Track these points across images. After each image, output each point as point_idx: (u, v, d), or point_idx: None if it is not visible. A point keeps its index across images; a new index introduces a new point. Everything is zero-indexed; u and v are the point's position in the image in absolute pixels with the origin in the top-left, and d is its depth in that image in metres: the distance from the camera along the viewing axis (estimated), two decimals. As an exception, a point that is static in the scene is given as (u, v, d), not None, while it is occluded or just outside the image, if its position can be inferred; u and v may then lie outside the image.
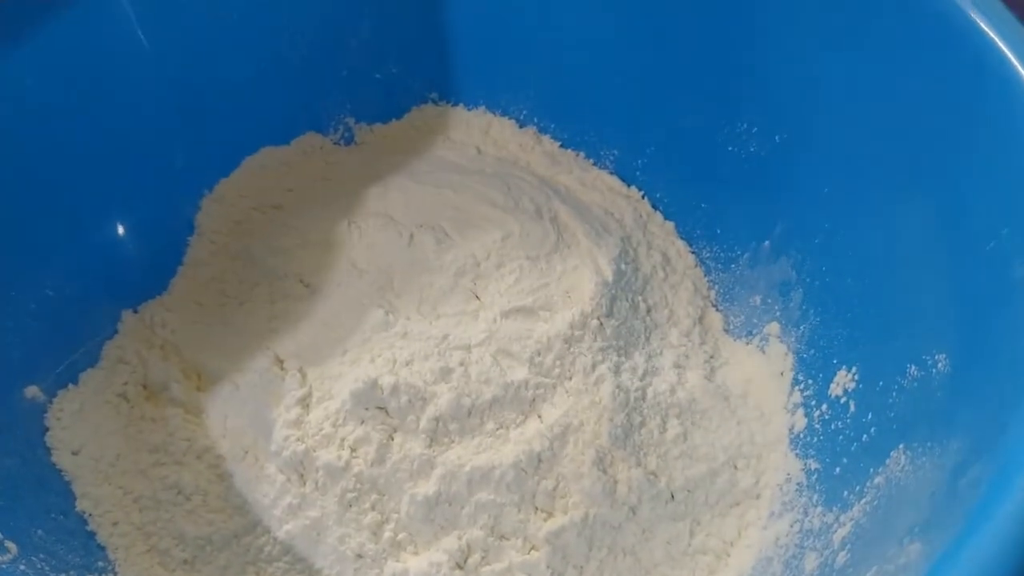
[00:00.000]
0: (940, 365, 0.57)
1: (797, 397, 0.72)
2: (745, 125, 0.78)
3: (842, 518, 0.59)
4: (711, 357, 0.78)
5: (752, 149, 0.78)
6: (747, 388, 0.75)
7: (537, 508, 0.68)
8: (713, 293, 0.82)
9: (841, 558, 0.56)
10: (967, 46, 0.60)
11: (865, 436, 0.63)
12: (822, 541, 0.60)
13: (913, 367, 0.60)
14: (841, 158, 0.70)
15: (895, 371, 0.61)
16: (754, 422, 0.73)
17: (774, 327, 0.77)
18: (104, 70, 0.79)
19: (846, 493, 0.61)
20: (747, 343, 0.79)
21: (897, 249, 0.65)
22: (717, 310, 0.82)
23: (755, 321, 0.79)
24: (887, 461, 0.58)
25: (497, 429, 0.70)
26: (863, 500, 0.58)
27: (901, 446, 0.57)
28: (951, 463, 0.49)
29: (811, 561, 0.60)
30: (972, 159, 0.60)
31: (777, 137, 0.76)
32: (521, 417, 0.71)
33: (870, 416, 0.63)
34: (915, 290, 0.62)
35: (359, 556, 0.68)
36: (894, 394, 0.61)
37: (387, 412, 0.70)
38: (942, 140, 0.62)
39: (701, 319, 0.80)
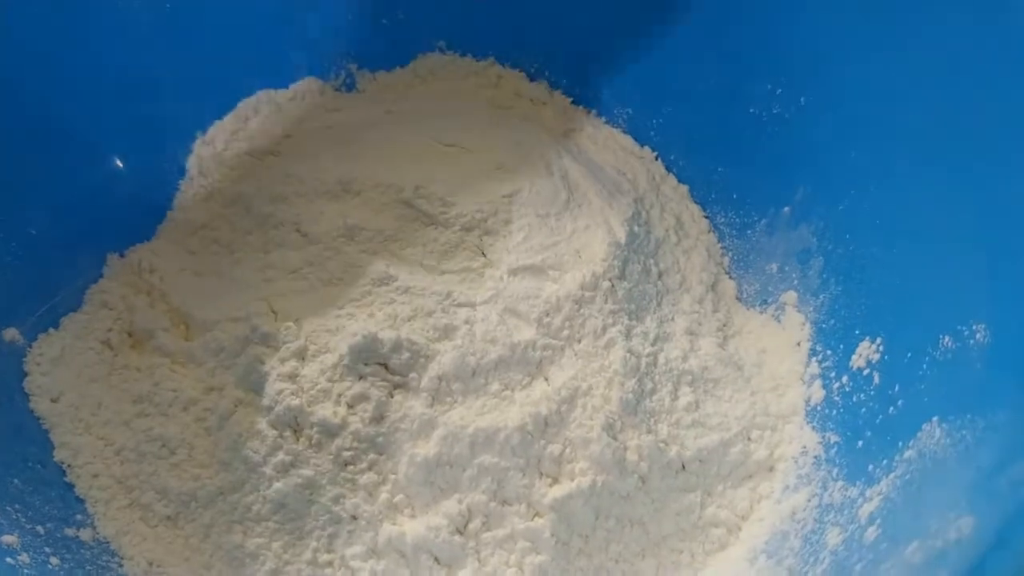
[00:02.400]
0: (979, 336, 0.55)
1: (815, 368, 0.70)
2: (769, 85, 0.75)
3: (868, 492, 0.57)
4: (724, 325, 0.75)
5: (775, 111, 0.75)
6: (761, 358, 0.73)
7: (542, 473, 0.65)
8: (727, 260, 0.80)
9: (871, 533, 0.53)
10: (1010, 7, 0.57)
11: (892, 408, 0.60)
12: (845, 516, 0.58)
13: (947, 338, 0.57)
14: (871, 122, 0.68)
15: (926, 342, 0.59)
16: (769, 393, 0.71)
17: (791, 296, 0.74)
18: (91, 2, 0.76)
19: (871, 467, 0.58)
20: (761, 312, 0.76)
21: (929, 216, 0.62)
22: (731, 277, 0.79)
23: (770, 289, 0.76)
24: (918, 434, 0.55)
25: (503, 390, 0.67)
26: (892, 474, 0.56)
27: (935, 419, 0.55)
28: (1000, 437, 0.47)
29: (834, 536, 0.57)
30: (1012, 124, 0.57)
31: (803, 99, 0.73)
32: (527, 379, 0.68)
33: (897, 388, 0.61)
34: (949, 258, 0.60)
35: (354, 518, 0.64)
36: (924, 366, 0.59)
37: (387, 369, 0.67)
38: (981, 105, 0.59)
39: (714, 286, 0.77)
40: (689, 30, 0.79)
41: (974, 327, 0.55)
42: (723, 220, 0.80)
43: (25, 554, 0.58)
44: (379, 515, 0.65)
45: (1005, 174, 0.57)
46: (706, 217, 0.81)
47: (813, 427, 0.67)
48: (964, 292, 0.58)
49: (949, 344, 0.57)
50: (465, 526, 0.64)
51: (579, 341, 0.69)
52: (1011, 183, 0.56)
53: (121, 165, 0.79)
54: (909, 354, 0.61)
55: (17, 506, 0.62)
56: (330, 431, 0.65)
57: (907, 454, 0.56)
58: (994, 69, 0.59)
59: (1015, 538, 0.38)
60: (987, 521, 0.41)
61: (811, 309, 0.72)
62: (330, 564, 0.65)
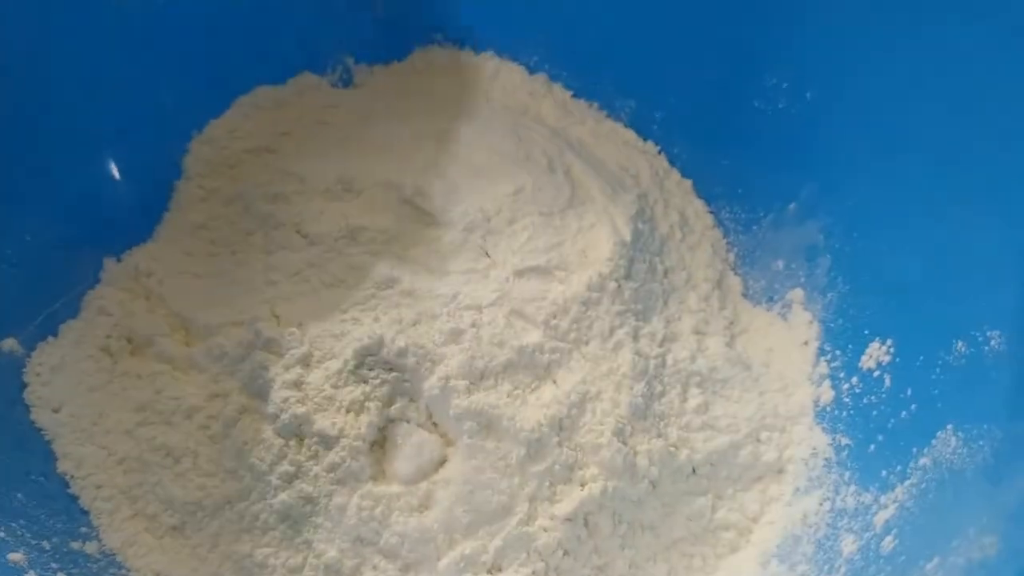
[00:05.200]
0: (993, 343, 0.54)
1: (823, 368, 0.69)
2: (775, 79, 0.74)
3: (882, 499, 0.57)
4: (731, 323, 0.75)
5: (781, 105, 0.74)
6: (769, 357, 0.72)
7: (553, 481, 0.64)
8: (732, 256, 0.79)
9: (887, 543, 0.53)
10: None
11: (904, 413, 0.60)
12: (860, 523, 0.58)
13: (960, 343, 0.57)
14: (879, 117, 0.67)
15: (938, 346, 0.59)
16: (777, 393, 0.70)
17: (798, 294, 0.73)
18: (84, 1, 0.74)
19: (884, 473, 0.58)
20: (768, 309, 0.76)
21: (939, 218, 0.62)
22: (736, 274, 0.78)
23: (776, 287, 0.76)
24: (933, 442, 0.55)
25: (514, 390, 0.66)
26: (907, 482, 0.55)
27: (950, 427, 0.54)
28: (1021, 450, 0.46)
29: (849, 544, 0.57)
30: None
31: (809, 94, 0.72)
32: (536, 382, 0.67)
33: (909, 392, 0.60)
34: (963, 261, 0.59)
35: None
36: (937, 370, 0.58)
37: (391, 372, 0.66)
38: (994, 100, 0.59)
39: (720, 282, 0.77)
40: (692, 21, 0.77)
41: (988, 333, 0.55)
42: (728, 215, 0.80)
43: (32, 572, 0.58)
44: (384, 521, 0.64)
45: (1022, 174, 0.56)
46: (710, 212, 0.80)
47: (823, 428, 0.67)
48: (977, 296, 0.57)
49: (963, 349, 0.57)
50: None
51: (587, 343, 0.68)
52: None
53: (117, 167, 0.77)
54: (921, 357, 0.60)
55: (22, 521, 0.61)
56: (327, 443, 0.64)
57: (922, 461, 0.55)
58: (1003, 63, 0.58)
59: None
60: (1013, 544, 0.40)
61: (819, 307, 0.71)
62: (338, 573, 0.64)
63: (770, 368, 0.72)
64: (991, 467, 0.48)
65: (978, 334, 0.56)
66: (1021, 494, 0.44)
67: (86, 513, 0.65)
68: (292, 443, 0.65)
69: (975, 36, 0.60)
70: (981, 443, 0.51)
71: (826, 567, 0.57)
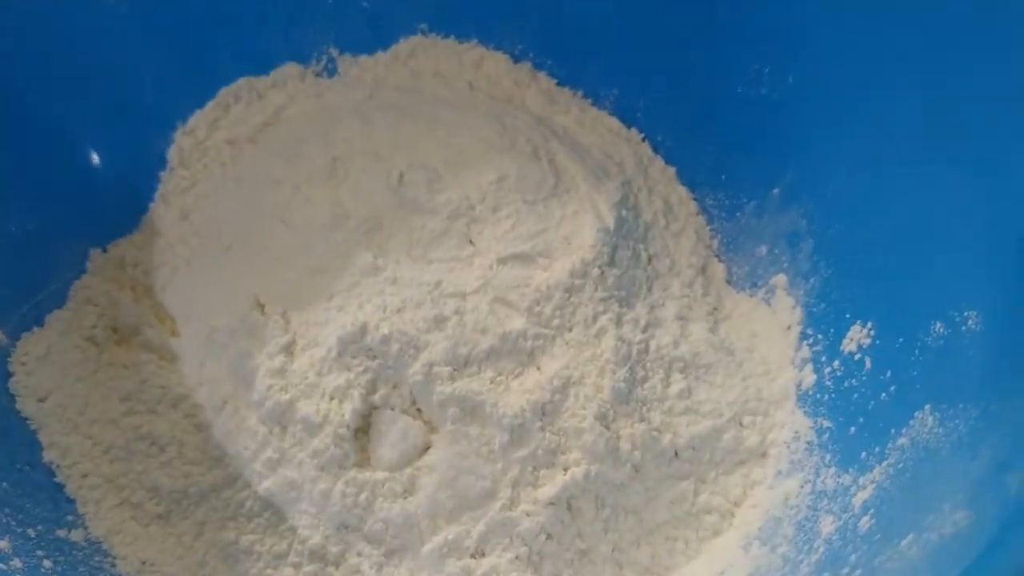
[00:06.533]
0: (970, 323, 0.55)
1: (806, 352, 0.69)
2: (757, 65, 0.74)
3: (861, 480, 0.57)
4: (714, 309, 0.75)
5: (763, 91, 0.74)
6: (752, 342, 0.73)
7: (536, 466, 0.65)
8: (716, 242, 0.79)
9: (864, 523, 0.53)
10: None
11: (884, 395, 0.60)
12: (839, 504, 0.58)
13: (939, 324, 0.57)
14: (860, 103, 0.67)
15: (917, 327, 0.59)
16: (760, 378, 0.71)
17: (781, 279, 0.74)
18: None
19: (864, 454, 0.59)
20: (751, 295, 0.76)
21: (920, 200, 0.62)
22: (720, 260, 0.78)
23: (760, 272, 0.76)
24: (911, 422, 0.55)
25: (497, 376, 0.66)
26: (885, 462, 0.56)
27: (927, 407, 0.55)
28: (994, 427, 0.46)
29: (827, 524, 0.57)
30: (1006, 106, 0.56)
31: (791, 79, 0.72)
32: (520, 368, 0.67)
33: (889, 374, 0.61)
34: (942, 244, 0.59)
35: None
36: (916, 352, 0.59)
37: (375, 360, 0.66)
38: (975, 86, 0.59)
39: (704, 269, 0.77)
40: (675, 9, 0.77)
41: (966, 314, 0.55)
42: (712, 202, 0.80)
43: (17, 559, 0.58)
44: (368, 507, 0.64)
45: (1001, 159, 0.56)
46: (694, 199, 0.80)
47: (805, 412, 0.67)
48: (956, 278, 0.58)
49: (941, 330, 0.57)
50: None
51: (570, 330, 0.68)
52: (1007, 168, 0.56)
53: (101, 158, 0.78)
54: (901, 339, 0.60)
55: (7, 510, 0.61)
56: (312, 430, 0.65)
57: (900, 442, 0.56)
58: (985, 47, 0.58)
59: (1014, 537, 0.38)
60: (984, 517, 0.41)
61: (801, 292, 0.72)
62: (323, 559, 0.65)
63: (753, 353, 0.72)
64: (966, 444, 0.49)
65: (956, 315, 0.56)
66: (992, 468, 0.45)
67: (72, 502, 0.65)
68: (276, 430, 0.66)
69: (957, 21, 0.60)
70: (957, 422, 0.51)
71: (805, 547, 0.58)
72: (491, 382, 0.66)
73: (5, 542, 0.58)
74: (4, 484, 0.62)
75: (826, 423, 0.65)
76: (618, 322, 0.69)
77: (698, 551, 0.65)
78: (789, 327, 0.72)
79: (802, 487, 0.63)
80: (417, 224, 0.72)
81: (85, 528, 0.64)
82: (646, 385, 0.68)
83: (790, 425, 0.67)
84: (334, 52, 0.86)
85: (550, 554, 0.64)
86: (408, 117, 0.79)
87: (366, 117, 0.79)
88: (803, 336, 0.70)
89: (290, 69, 0.85)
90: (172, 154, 0.81)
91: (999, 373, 0.50)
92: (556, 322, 0.68)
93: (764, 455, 0.68)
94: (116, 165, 0.78)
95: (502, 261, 0.70)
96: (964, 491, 0.45)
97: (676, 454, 0.67)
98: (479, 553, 0.63)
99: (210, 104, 0.82)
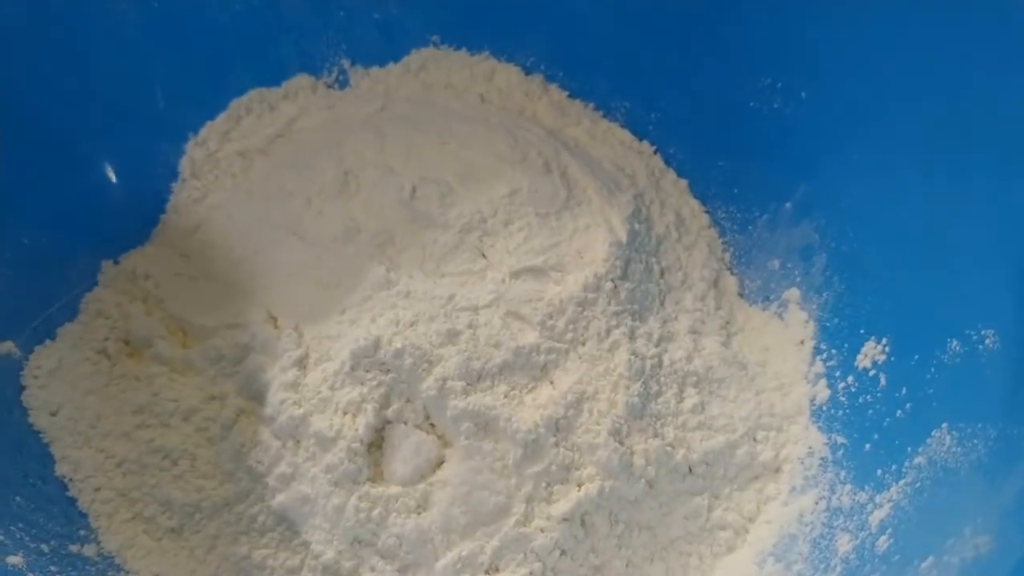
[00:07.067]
0: (988, 341, 0.54)
1: (819, 367, 0.69)
2: (770, 79, 0.74)
3: (878, 499, 0.57)
4: (727, 323, 0.75)
5: (776, 106, 0.74)
6: (765, 356, 0.73)
7: (550, 482, 0.65)
8: (728, 256, 0.79)
9: (882, 543, 0.53)
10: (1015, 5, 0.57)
11: (899, 412, 0.60)
12: (855, 522, 0.58)
13: (955, 342, 0.57)
14: (873, 117, 0.67)
15: (933, 345, 0.59)
16: (773, 392, 0.70)
17: (794, 293, 0.74)
18: (78, 4, 0.74)
19: (880, 472, 0.58)
20: (763, 309, 0.76)
21: (934, 216, 0.62)
22: (732, 273, 0.78)
23: (772, 286, 0.76)
24: (928, 440, 0.55)
25: (511, 391, 0.66)
26: (902, 481, 0.56)
27: (944, 425, 0.55)
28: (1016, 451, 0.46)
29: (844, 543, 0.57)
30: (1020, 120, 0.57)
31: (804, 94, 0.72)
32: (533, 383, 0.67)
33: (904, 391, 0.61)
34: (957, 260, 0.59)
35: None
36: (932, 370, 0.59)
37: (388, 374, 0.66)
38: (988, 100, 0.59)
39: (716, 282, 0.77)
40: (687, 22, 0.77)
41: (983, 332, 0.55)
42: (724, 215, 0.80)
43: (31, 575, 0.58)
44: (381, 522, 0.64)
45: (1016, 174, 0.56)
46: (706, 212, 0.80)
47: (819, 427, 0.67)
48: (972, 295, 0.57)
49: (957, 348, 0.57)
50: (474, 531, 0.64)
51: (583, 344, 0.68)
52: (1022, 183, 0.56)
53: (112, 169, 0.78)
54: (916, 356, 0.60)
55: (20, 525, 0.61)
56: (325, 445, 0.65)
57: (917, 460, 0.55)
58: (998, 61, 0.58)
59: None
60: (1007, 543, 0.41)
61: (814, 307, 0.72)
62: (336, 574, 0.65)
63: (766, 367, 0.72)
64: (985, 466, 0.49)
65: (973, 333, 0.56)
66: (1015, 493, 0.44)
67: (84, 516, 0.65)
68: (289, 445, 0.66)
69: (970, 34, 0.60)
70: (975, 442, 0.51)
71: (822, 566, 0.58)
72: (504, 397, 0.66)
73: (19, 557, 0.58)
74: (18, 498, 0.62)
75: (840, 439, 0.65)
76: (631, 336, 0.69)
77: (712, 567, 0.65)
78: (802, 341, 0.72)
79: (817, 503, 0.63)
80: (429, 238, 0.72)
81: (98, 543, 0.64)
82: (660, 400, 0.68)
83: (804, 441, 0.67)
84: (346, 64, 0.86)
85: (564, 570, 0.64)
86: (420, 130, 0.79)
87: (378, 130, 0.79)
88: (816, 351, 0.70)
89: (302, 80, 0.85)
90: (183, 165, 0.81)
91: (1017, 394, 0.50)
92: (569, 336, 0.68)
93: (778, 471, 0.68)
94: (127, 176, 0.78)
95: (515, 275, 0.70)
96: (985, 514, 0.45)
97: (690, 469, 0.67)
98: (493, 569, 0.63)
99: (222, 115, 0.82)
